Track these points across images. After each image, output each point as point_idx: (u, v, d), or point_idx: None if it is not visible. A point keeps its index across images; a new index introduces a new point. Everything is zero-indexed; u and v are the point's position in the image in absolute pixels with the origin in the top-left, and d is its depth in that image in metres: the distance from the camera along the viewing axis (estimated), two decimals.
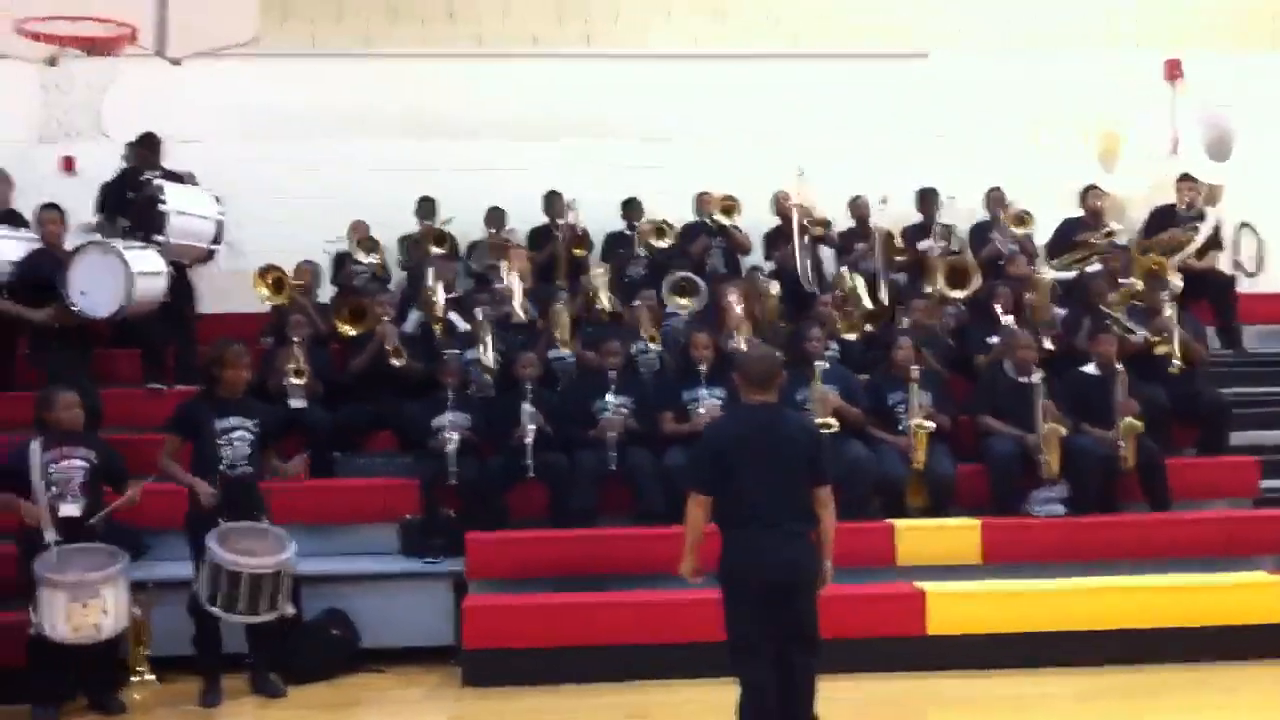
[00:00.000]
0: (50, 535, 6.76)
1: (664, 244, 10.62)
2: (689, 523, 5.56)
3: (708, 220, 10.77)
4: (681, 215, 10.90)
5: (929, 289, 9.97)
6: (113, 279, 8.48)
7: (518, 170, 11.24)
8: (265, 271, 9.57)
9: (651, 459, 8.27)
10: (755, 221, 10.93)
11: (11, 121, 10.66)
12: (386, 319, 9.06)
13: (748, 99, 11.72)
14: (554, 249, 10.68)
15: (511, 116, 11.36)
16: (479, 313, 9.15)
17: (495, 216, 10.90)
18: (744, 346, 8.24)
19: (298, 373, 8.64)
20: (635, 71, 11.68)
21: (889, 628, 7.34)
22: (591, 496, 8.19)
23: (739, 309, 9.07)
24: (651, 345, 9.20)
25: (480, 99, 11.43)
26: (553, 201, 10.89)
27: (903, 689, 7.04)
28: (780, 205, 10.73)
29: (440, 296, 9.46)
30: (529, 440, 8.10)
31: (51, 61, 10.62)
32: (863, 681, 6.87)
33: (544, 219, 10.97)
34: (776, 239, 10.74)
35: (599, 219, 11.02)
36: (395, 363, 8.83)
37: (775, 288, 9.74)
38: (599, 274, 9.93)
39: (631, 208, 10.97)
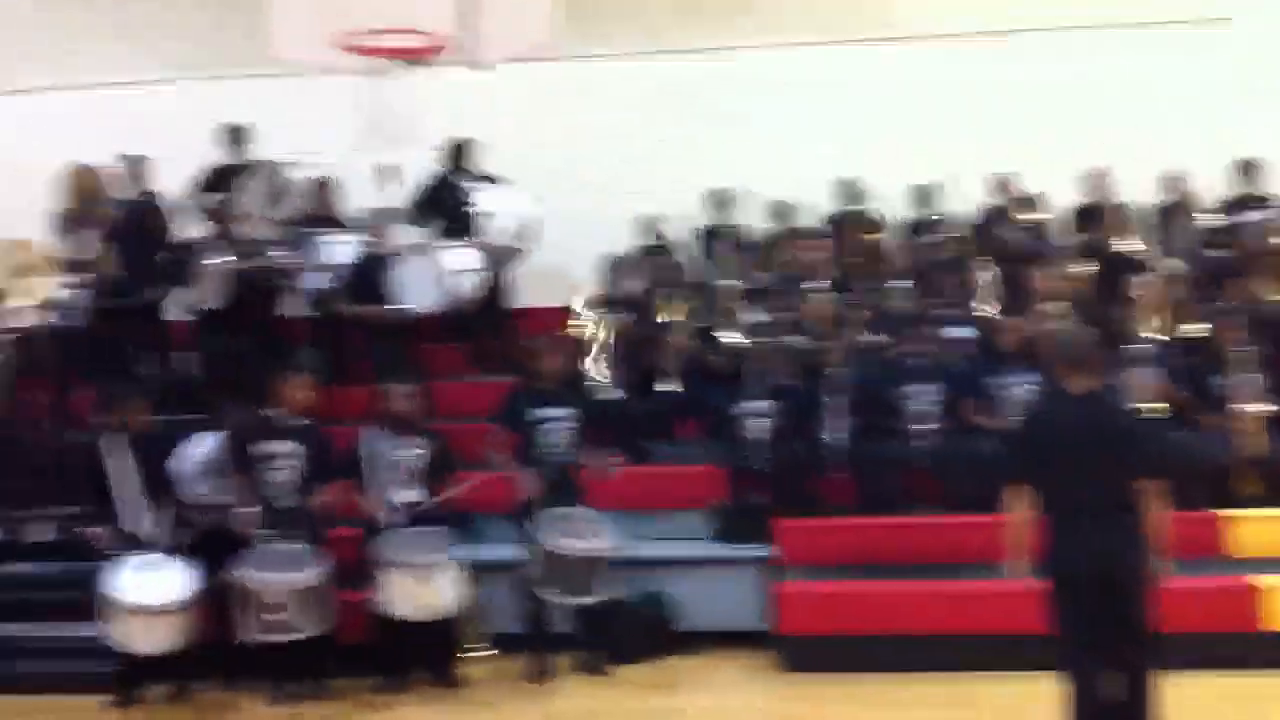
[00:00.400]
0: (390, 519, 7.22)
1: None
2: (1007, 514, 5.46)
3: (1005, 204, 10.50)
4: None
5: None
6: (431, 278, 8.98)
7: (811, 160, 11.19)
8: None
9: (962, 446, 8.17)
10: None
11: (335, 132, 11.25)
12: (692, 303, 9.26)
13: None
14: (844, 235, 10.53)
15: (805, 106, 11.33)
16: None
17: (781, 210, 10.90)
18: (1055, 329, 8.05)
19: (608, 364, 8.91)
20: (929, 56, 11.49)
21: (1219, 623, 7.04)
22: (898, 484, 8.16)
23: (1050, 291, 8.84)
24: (958, 331, 9.06)
25: (774, 90, 11.44)
26: (846, 188, 10.83)
27: (1235, 687, 6.69)
28: (1094, 184, 10.36)
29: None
30: (840, 435, 8.12)
31: (372, 73, 11.26)
32: (1192, 679, 6.58)
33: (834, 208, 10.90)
34: (1090, 217, 10.37)
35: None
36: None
37: (1084, 268, 9.45)
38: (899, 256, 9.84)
39: (925, 193, 10.73)
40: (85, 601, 7.09)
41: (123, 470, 7.25)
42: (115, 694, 7.15)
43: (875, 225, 10.70)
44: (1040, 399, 6.14)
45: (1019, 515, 5.42)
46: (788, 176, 10.93)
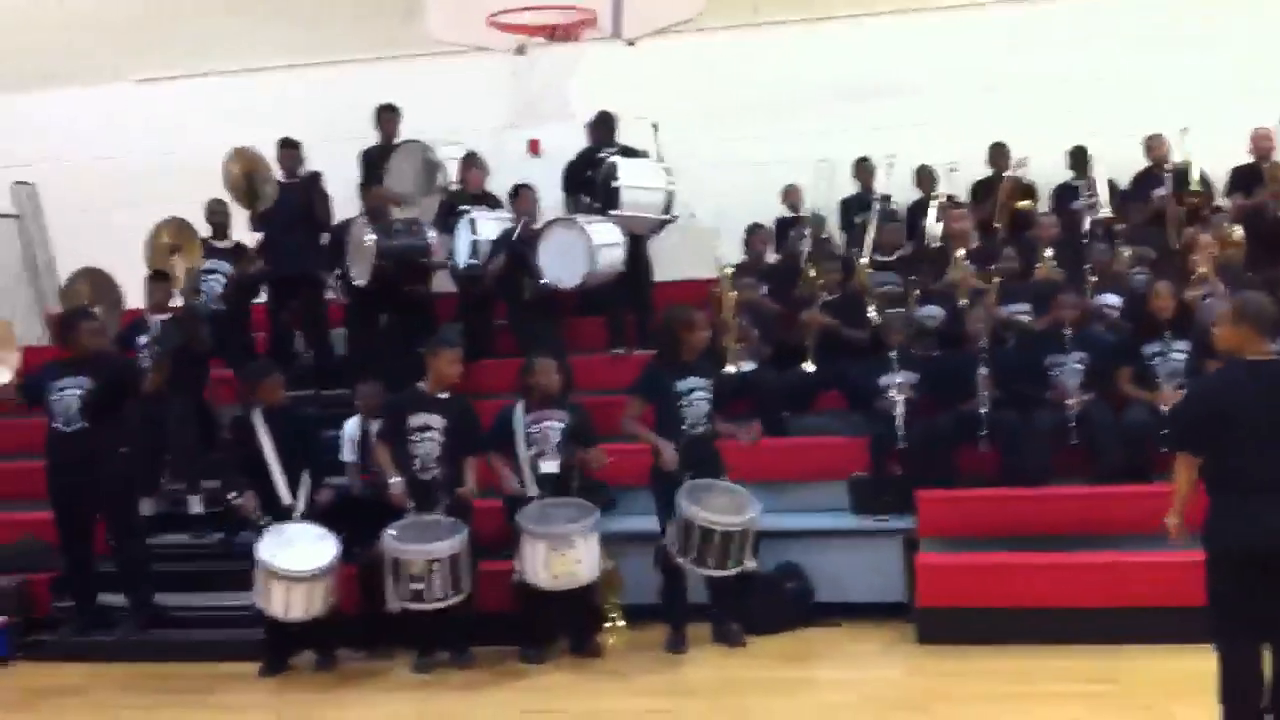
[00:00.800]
0: (531, 490, 7.35)
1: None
2: (1176, 482, 5.21)
3: (1160, 169, 10.15)
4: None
5: None
6: (577, 252, 9.09)
7: (953, 125, 10.96)
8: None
9: (1111, 416, 7.96)
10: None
11: (485, 109, 11.46)
12: (830, 274, 9.19)
13: None
14: (994, 202, 10.32)
15: (956, 70, 11.10)
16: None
17: (925, 176, 10.68)
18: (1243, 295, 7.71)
19: (741, 338, 8.89)
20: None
21: None
22: (1046, 455, 7.99)
23: (1209, 256, 8.53)
24: (1107, 298, 8.83)
25: (923, 56, 11.24)
26: (996, 153, 10.55)
27: None
28: (1257, 145, 9.95)
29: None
30: (984, 410, 8.01)
31: (520, 51, 11.40)
32: None
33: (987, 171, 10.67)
34: (1245, 180, 9.98)
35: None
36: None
37: (1239, 232, 9.11)
38: (1048, 224, 9.60)
39: (1080, 158, 10.40)
40: (238, 571, 7.40)
41: (269, 444, 7.52)
42: (264, 661, 7.45)
43: (1026, 191, 10.42)
44: (1223, 367, 5.77)
45: (1186, 486, 5.18)
46: (936, 143, 10.73)
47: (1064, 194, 10.31)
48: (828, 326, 9.08)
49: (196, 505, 8.75)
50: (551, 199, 10.53)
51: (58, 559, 8.25)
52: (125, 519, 7.97)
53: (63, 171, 12.21)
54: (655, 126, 9.97)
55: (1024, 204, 10.27)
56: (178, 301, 8.91)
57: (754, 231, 10.18)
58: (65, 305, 9.01)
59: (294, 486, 7.48)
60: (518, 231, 9.46)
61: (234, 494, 7.56)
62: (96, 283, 9.00)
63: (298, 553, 7.15)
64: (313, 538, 7.26)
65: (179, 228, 9.21)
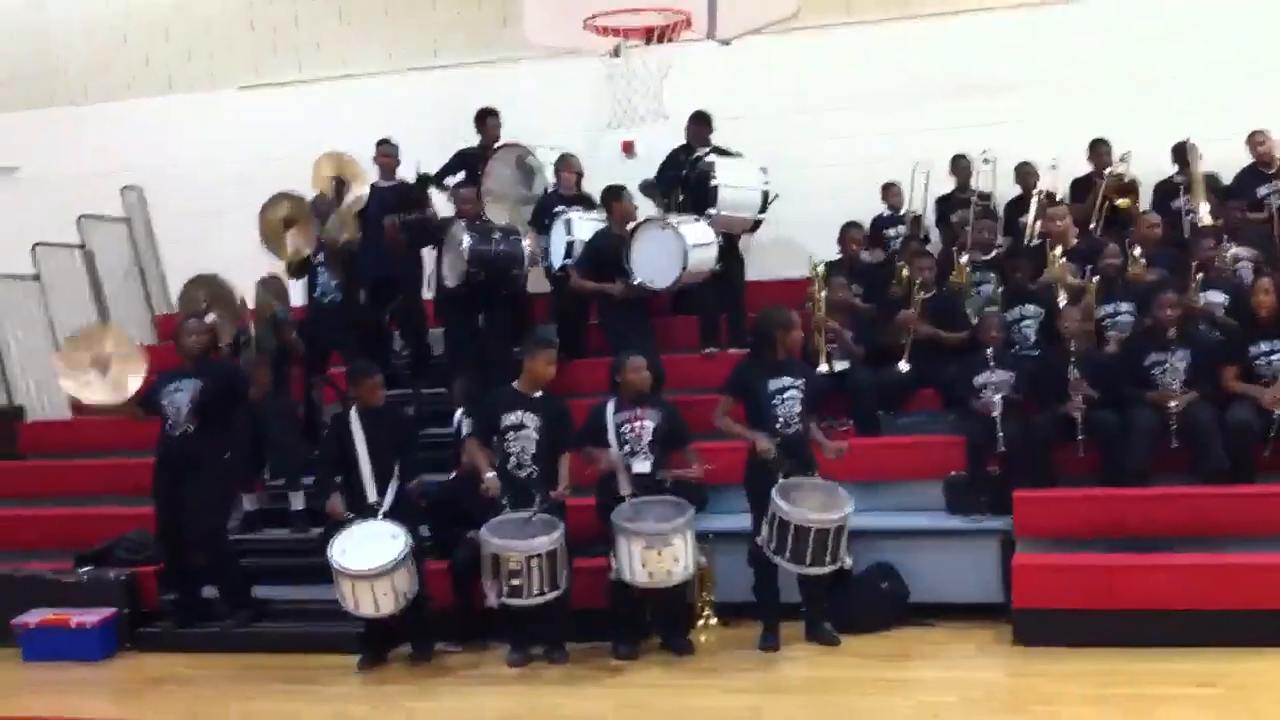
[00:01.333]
0: (625, 488, 7.39)
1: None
2: None
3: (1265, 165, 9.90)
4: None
5: None
6: (669, 252, 9.12)
7: (1051, 121, 10.80)
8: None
9: (1214, 416, 7.79)
10: None
11: (581, 111, 11.53)
12: (925, 272, 9.12)
13: None
14: (1093, 200, 10.05)
15: (1054, 66, 10.95)
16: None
17: (1025, 173, 10.48)
18: None
19: (833, 339, 8.86)
20: None
21: None
22: (1147, 455, 7.85)
23: None
24: (1211, 296, 8.65)
25: (1020, 52, 11.09)
26: (1096, 150, 10.29)
27: None
28: None
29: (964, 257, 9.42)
30: (1077, 414, 7.90)
31: (615, 53, 11.45)
32: None
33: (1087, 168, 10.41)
34: None
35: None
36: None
37: None
38: (1151, 221, 9.42)
39: (1181, 154, 10.03)
40: None
41: (362, 443, 7.63)
42: (362, 653, 7.58)
43: (1126, 189, 10.21)
44: None
45: None
46: (1034, 141, 10.58)
47: (1166, 191, 10.09)
48: (926, 334, 8.98)
49: (297, 501, 8.92)
50: (644, 200, 10.60)
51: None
52: (212, 523, 8.14)
53: (169, 176, 12.53)
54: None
55: (1123, 202, 10.10)
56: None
57: (847, 230, 10.08)
58: (182, 309, 9.22)
59: (383, 485, 7.59)
60: (611, 231, 9.49)
61: (328, 493, 7.70)
62: (213, 288, 9.17)
63: (365, 551, 7.25)
64: (385, 536, 7.33)
65: (295, 204, 9.40)
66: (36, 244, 11.65)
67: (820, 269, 9.16)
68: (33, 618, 8.25)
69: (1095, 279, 8.71)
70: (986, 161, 10.47)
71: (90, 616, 8.19)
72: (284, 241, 9.51)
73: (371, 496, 7.51)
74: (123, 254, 12.60)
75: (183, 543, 8.13)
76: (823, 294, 8.98)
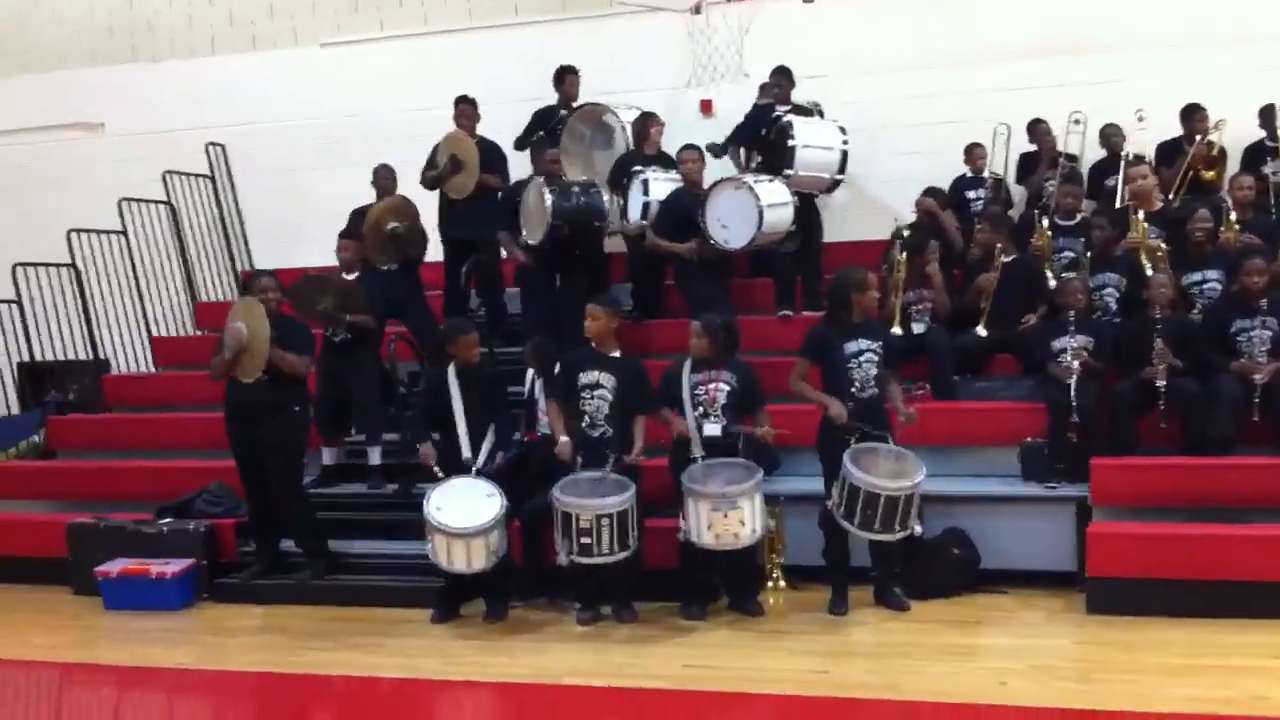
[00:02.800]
0: (697, 451, 7.38)
1: None
2: None
3: None
4: None
5: None
6: (744, 212, 9.04)
7: (1150, 82, 10.51)
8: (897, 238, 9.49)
9: None
10: None
11: (661, 69, 11.47)
12: (1000, 239, 8.98)
13: None
14: (1179, 166, 9.75)
15: (1150, 27, 10.66)
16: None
17: (1111, 135, 10.16)
18: None
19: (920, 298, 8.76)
20: None
21: None
22: (1229, 425, 7.69)
23: None
24: None
25: (1108, 11, 10.81)
26: (1190, 115, 9.90)
27: None
28: None
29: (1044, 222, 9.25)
30: (1161, 383, 7.76)
31: (696, 9, 11.40)
32: None
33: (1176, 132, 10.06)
34: None
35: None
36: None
37: None
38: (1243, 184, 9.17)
39: (1269, 117, 9.71)
40: (413, 521, 7.62)
41: (459, 400, 7.69)
42: (436, 608, 7.67)
43: (1214, 161, 9.87)
44: None
45: None
46: (1121, 102, 10.30)
47: (1255, 155, 9.81)
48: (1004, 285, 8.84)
49: (375, 456, 9.02)
50: (723, 159, 10.55)
51: (245, 506, 8.62)
52: (289, 474, 8.25)
53: (252, 133, 12.66)
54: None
55: (1209, 175, 9.76)
56: None
57: (927, 194, 9.95)
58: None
59: (478, 443, 7.64)
60: (688, 191, 9.44)
61: (417, 444, 7.76)
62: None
63: (462, 508, 7.32)
64: (481, 494, 7.40)
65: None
66: (122, 199, 11.82)
67: (905, 232, 9.04)
68: (114, 567, 8.44)
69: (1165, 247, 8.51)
70: (1077, 123, 10.24)
71: (170, 567, 8.36)
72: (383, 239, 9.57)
73: (465, 454, 7.58)
74: (206, 210, 12.75)
75: (264, 492, 8.25)
76: (903, 256, 8.87)
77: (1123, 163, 9.77)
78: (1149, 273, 8.42)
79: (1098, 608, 7.04)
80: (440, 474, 7.54)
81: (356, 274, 9.36)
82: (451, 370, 7.76)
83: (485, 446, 7.63)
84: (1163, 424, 7.81)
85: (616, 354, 7.66)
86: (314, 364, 8.44)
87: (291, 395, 8.17)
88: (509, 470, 7.73)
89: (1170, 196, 9.49)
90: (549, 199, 9.24)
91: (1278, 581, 6.78)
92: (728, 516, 7.09)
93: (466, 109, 10.40)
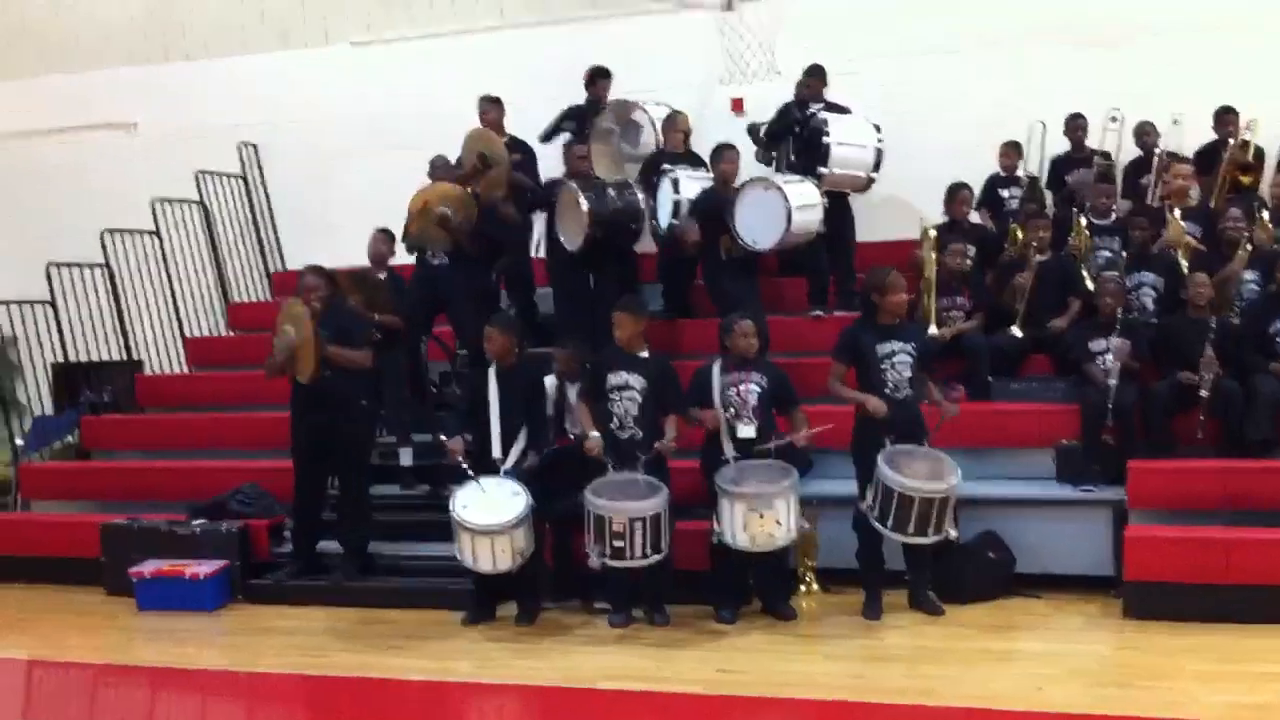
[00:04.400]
0: (729, 451, 7.33)
1: None
2: None
3: None
4: None
5: None
6: (773, 212, 8.97)
7: (1195, 74, 10.28)
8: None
9: None
10: None
11: (692, 66, 11.45)
12: (1042, 234, 8.88)
13: None
14: (1216, 174, 9.55)
15: (1195, 12, 10.50)
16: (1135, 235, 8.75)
17: (1146, 132, 10.01)
18: None
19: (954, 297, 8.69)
20: None
21: None
22: (1270, 426, 7.62)
23: None
24: None
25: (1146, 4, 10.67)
26: (1222, 118, 9.74)
27: None
28: None
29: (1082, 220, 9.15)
30: (1205, 393, 7.68)
31: (728, 6, 11.37)
32: None
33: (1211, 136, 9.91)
34: None
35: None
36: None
37: None
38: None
39: None
40: (445, 523, 7.58)
41: (496, 399, 7.66)
42: (468, 610, 7.66)
43: (1248, 167, 9.65)
44: None
45: None
46: (1158, 99, 10.16)
47: None
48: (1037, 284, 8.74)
49: (407, 458, 9.02)
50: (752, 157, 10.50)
51: (278, 506, 8.64)
52: (358, 469, 8.28)
53: (283, 132, 12.69)
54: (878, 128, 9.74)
55: (1246, 179, 9.58)
56: None
57: (956, 192, 9.85)
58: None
59: (509, 443, 7.62)
60: (718, 191, 9.38)
61: (445, 436, 7.78)
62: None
63: (487, 507, 7.32)
64: (507, 493, 7.39)
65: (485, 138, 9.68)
66: (155, 199, 11.86)
67: (931, 232, 8.97)
68: (148, 568, 8.46)
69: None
70: (1114, 120, 10.13)
71: (204, 568, 8.38)
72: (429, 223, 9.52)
73: (496, 453, 7.57)
74: (239, 209, 12.79)
75: (317, 492, 8.27)
76: (933, 254, 8.80)
77: (1155, 160, 9.66)
78: (1186, 272, 8.33)
79: (1135, 612, 6.97)
80: (468, 469, 7.52)
81: (386, 273, 9.36)
82: (492, 370, 7.74)
83: (516, 448, 7.62)
84: (1199, 434, 7.72)
85: (645, 354, 7.62)
86: (374, 352, 8.39)
87: (357, 388, 8.17)
88: (539, 471, 7.70)
89: (1211, 204, 9.35)
90: (586, 204, 9.14)
91: None
92: (763, 517, 7.04)
93: (491, 108, 10.32)
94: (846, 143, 9.57)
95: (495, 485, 7.44)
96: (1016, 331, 8.75)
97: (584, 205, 9.12)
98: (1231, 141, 9.57)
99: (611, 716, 6.21)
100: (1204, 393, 7.70)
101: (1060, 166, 10.33)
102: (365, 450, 8.40)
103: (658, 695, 6.26)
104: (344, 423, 8.08)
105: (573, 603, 7.79)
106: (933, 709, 5.84)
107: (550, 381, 8.32)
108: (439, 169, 10.14)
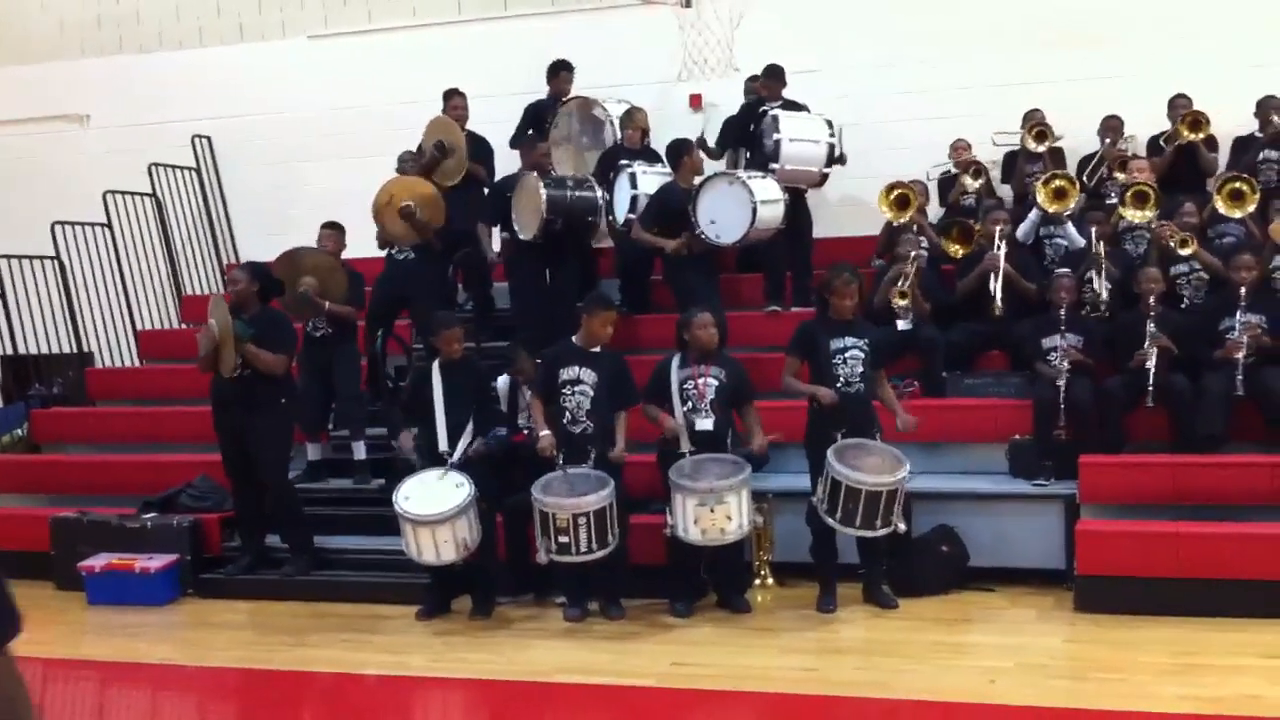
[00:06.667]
0: (685, 446, 7.32)
1: None
2: None
3: None
4: None
5: None
6: (737, 208, 8.98)
7: (1134, 78, 10.46)
8: (890, 189, 9.50)
9: None
10: None
11: (652, 62, 11.44)
12: (1001, 227, 8.92)
13: None
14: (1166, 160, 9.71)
15: (1134, 20, 10.61)
16: (1092, 231, 8.79)
17: (1111, 126, 10.15)
18: None
19: (902, 294, 8.70)
20: None
21: None
22: (1219, 421, 7.69)
23: None
24: None
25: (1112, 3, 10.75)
26: (1176, 105, 9.91)
27: None
28: None
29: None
30: (1150, 365, 7.73)
31: (687, 3, 11.37)
32: None
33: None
34: None
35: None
36: (994, 285, 8.68)
37: None
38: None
39: (1263, 108, 9.62)
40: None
41: (440, 393, 7.63)
42: (423, 604, 7.62)
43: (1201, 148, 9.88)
44: None
45: None
46: (1122, 97, 10.25)
47: (1243, 146, 9.77)
48: (1008, 275, 8.72)
49: (360, 452, 8.97)
50: (712, 153, 10.51)
51: (229, 500, 8.57)
52: (276, 467, 8.20)
53: (238, 125, 12.60)
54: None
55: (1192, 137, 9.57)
56: None
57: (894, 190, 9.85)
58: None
59: (456, 436, 7.58)
60: (677, 186, 9.38)
61: (394, 441, 7.74)
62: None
63: (429, 498, 7.28)
64: (450, 485, 7.35)
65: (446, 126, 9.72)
66: (107, 191, 11.74)
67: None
68: (98, 562, 8.38)
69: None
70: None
71: (154, 562, 8.31)
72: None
73: (443, 446, 7.53)
74: (192, 202, 12.68)
75: (251, 486, 8.21)
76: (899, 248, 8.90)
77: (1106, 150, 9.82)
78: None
79: (1087, 606, 7.01)
80: (418, 462, 7.49)
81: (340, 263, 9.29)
82: (436, 364, 7.71)
83: (463, 441, 7.58)
84: (1150, 403, 7.73)
85: (598, 349, 7.60)
86: (293, 360, 8.35)
87: (276, 388, 8.10)
88: (493, 466, 7.67)
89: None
90: (544, 192, 9.12)
91: (1268, 580, 6.75)
92: (714, 511, 7.03)
93: (457, 101, 10.32)
94: (798, 139, 9.57)
95: (440, 477, 7.40)
96: (998, 309, 8.66)
97: (542, 193, 9.08)
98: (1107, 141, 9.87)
99: (566, 710, 6.18)
100: (1150, 365, 7.73)
101: (1013, 161, 10.36)
102: (279, 449, 8.26)
103: (613, 688, 6.24)
104: (258, 420, 8.01)
105: (527, 597, 7.77)
106: (886, 702, 5.86)
107: (504, 380, 8.30)
108: (406, 162, 10.10)
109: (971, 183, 10.01)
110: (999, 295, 8.63)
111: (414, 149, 10.24)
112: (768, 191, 9.14)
